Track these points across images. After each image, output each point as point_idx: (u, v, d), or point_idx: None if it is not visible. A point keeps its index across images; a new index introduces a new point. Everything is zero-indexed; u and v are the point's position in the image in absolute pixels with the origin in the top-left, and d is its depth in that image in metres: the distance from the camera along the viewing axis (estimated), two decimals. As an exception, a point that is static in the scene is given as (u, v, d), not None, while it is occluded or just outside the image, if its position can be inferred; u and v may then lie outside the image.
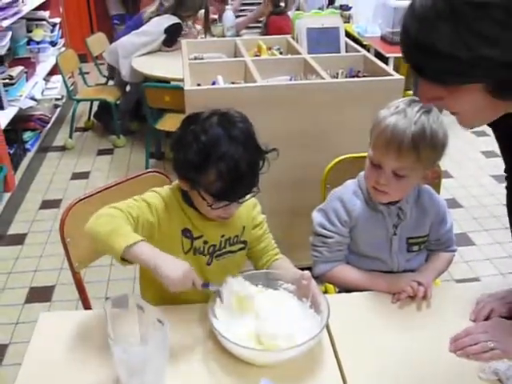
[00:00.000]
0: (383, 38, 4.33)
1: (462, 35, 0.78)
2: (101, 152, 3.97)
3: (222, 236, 1.33)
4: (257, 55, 2.55)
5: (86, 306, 1.52)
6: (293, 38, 2.71)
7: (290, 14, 3.73)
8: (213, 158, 1.13)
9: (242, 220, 1.36)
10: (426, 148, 1.26)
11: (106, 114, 4.11)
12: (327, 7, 5.16)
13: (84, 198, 1.51)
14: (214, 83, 2.17)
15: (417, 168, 1.29)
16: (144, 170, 1.66)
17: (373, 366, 1.11)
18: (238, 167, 1.14)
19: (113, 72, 4.12)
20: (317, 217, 1.46)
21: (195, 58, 2.44)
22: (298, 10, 4.06)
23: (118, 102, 4.04)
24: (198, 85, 2.08)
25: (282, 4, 3.77)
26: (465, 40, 0.78)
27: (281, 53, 2.66)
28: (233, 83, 2.17)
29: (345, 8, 5.18)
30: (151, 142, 3.65)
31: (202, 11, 3.99)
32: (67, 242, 1.46)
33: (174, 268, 1.08)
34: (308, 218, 1.52)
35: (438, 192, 1.62)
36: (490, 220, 2.95)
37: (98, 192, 1.55)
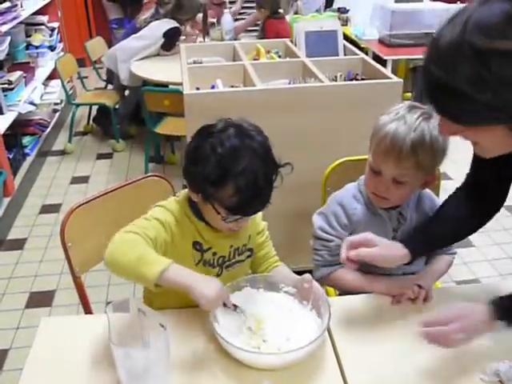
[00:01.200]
0: (381, 41, 4.34)
1: (485, 79, 0.79)
2: (100, 156, 3.98)
3: (231, 247, 1.32)
4: (255, 59, 2.56)
5: (87, 310, 1.53)
6: (291, 42, 2.72)
7: (288, 17, 3.75)
8: (232, 173, 1.11)
9: (248, 229, 1.35)
10: (426, 155, 1.26)
11: (105, 118, 4.12)
12: (324, 10, 5.18)
13: (84, 203, 1.51)
14: (213, 87, 2.17)
15: (417, 174, 1.30)
16: (144, 174, 1.66)
17: (374, 368, 1.11)
18: (256, 183, 1.12)
19: (112, 76, 4.12)
20: (317, 220, 1.46)
21: (194, 62, 2.45)
22: (296, 13, 4.07)
23: (117, 106, 4.05)
24: (197, 89, 2.09)
25: (281, 10, 3.79)
26: (488, 84, 0.79)
27: (279, 56, 2.67)
28: (232, 87, 2.18)
29: (343, 11, 5.19)
30: (150, 146, 3.66)
31: (201, 15, 4.00)
32: (68, 247, 1.46)
33: (209, 288, 1.08)
34: (309, 221, 1.51)
35: (438, 194, 1.62)
36: (490, 222, 2.95)
37: (99, 196, 1.55)
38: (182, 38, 3.96)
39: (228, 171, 1.11)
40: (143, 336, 1.08)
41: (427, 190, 1.46)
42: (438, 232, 1.31)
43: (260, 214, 1.41)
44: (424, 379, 1.10)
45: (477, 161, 1.27)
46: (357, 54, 2.52)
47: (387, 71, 2.16)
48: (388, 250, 1.23)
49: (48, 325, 1.29)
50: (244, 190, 1.12)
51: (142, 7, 4.50)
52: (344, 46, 2.65)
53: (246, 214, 1.20)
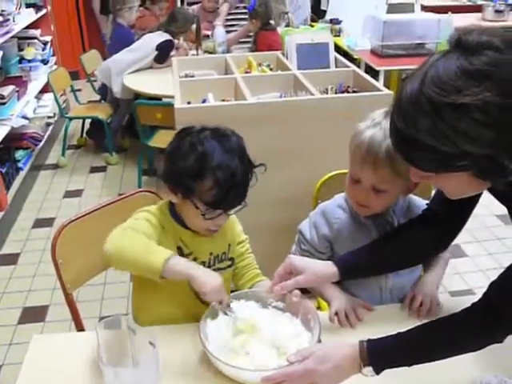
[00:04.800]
0: (373, 52, 4.36)
1: (443, 132, 0.82)
2: (93, 169, 3.98)
3: (211, 254, 1.35)
4: (247, 72, 2.57)
5: (79, 327, 1.52)
6: (283, 54, 2.73)
7: (280, 29, 3.77)
8: (211, 166, 1.18)
9: (227, 237, 1.39)
10: (403, 162, 1.25)
11: (98, 131, 4.12)
12: (317, 21, 5.22)
13: (76, 219, 1.51)
14: (204, 101, 2.18)
15: (395, 182, 1.28)
16: (135, 189, 1.66)
17: (365, 382, 1.10)
18: (234, 176, 1.18)
19: (105, 90, 4.14)
20: (303, 223, 1.49)
21: (186, 76, 2.46)
22: (287, 25, 4.09)
23: (111, 119, 4.05)
24: (189, 103, 2.09)
25: (272, 22, 3.81)
26: (447, 136, 0.82)
27: (271, 69, 2.68)
28: (223, 100, 2.19)
29: (335, 22, 5.23)
30: (144, 159, 3.66)
31: (194, 26, 4.02)
32: (59, 264, 1.46)
33: (211, 277, 1.15)
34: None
35: (430, 196, 1.60)
36: (482, 231, 2.97)
37: (90, 212, 1.55)
38: (174, 51, 3.97)
39: (207, 165, 1.18)
40: (133, 354, 1.08)
41: (417, 199, 1.45)
42: (375, 258, 1.29)
43: (240, 226, 1.45)
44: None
45: (440, 192, 1.27)
46: (348, 66, 2.53)
47: (378, 83, 2.18)
48: (315, 273, 1.24)
49: (39, 342, 1.28)
50: (222, 183, 1.17)
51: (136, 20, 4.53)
52: (335, 58, 2.66)
53: (224, 208, 1.23)
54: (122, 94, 3.86)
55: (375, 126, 1.28)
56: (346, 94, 2.09)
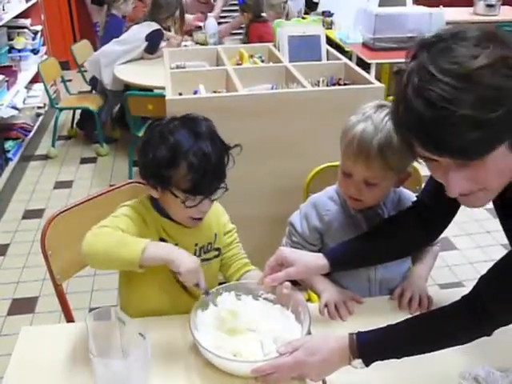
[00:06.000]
0: (365, 45, 4.36)
1: (484, 95, 0.80)
2: (84, 160, 3.95)
3: (196, 245, 1.34)
4: (239, 63, 2.56)
5: (69, 318, 1.51)
6: (274, 46, 2.72)
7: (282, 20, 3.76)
8: (183, 152, 1.18)
9: (212, 227, 1.39)
10: (394, 155, 1.24)
11: (88, 122, 4.10)
12: (309, 13, 5.20)
13: (65, 210, 1.50)
14: (195, 92, 2.17)
15: (387, 175, 1.29)
16: (126, 181, 1.66)
17: (354, 376, 1.11)
18: (208, 159, 1.19)
19: (95, 82, 4.11)
20: (294, 215, 1.50)
21: (177, 67, 2.44)
22: (287, 15, 4.08)
23: (101, 111, 4.03)
24: (180, 94, 2.08)
25: (264, 14, 3.80)
26: (487, 99, 0.80)
27: (262, 61, 2.67)
28: (214, 92, 2.18)
29: (327, 14, 5.21)
30: (134, 151, 3.64)
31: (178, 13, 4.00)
32: (49, 255, 1.45)
33: (190, 259, 1.15)
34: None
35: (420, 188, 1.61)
36: (471, 224, 2.99)
37: (80, 204, 1.54)
38: (165, 42, 3.94)
39: (178, 151, 1.18)
40: (122, 345, 1.08)
41: (408, 192, 1.46)
42: (364, 250, 1.30)
43: (227, 215, 1.45)
44: (398, 375, 1.11)
45: (430, 185, 1.27)
46: (339, 59, 2.53)
47: (370, 76, 2.18)
48: (305, 265, 1.24)
49: (28, 334, 1.28)
50: (196, 167, 1.18)
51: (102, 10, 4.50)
52: (327, 50, 2.66)
53: (203, 193, 1.22)
54: (112, 86, 3.83)
55: (366, 120, 1.28)
56: (337, 87, 2.09)
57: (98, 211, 1.54)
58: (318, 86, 2.26)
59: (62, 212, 1.49)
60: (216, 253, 1.39)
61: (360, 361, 1.06)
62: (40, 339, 1.26)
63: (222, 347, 1.14)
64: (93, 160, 3.95)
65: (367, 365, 1.06)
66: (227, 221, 1.44)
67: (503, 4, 5.42)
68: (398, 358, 1.07)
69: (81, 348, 1.18)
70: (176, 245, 1.29)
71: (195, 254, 1.34)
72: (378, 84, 2.09)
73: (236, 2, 5.12)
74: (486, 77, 0.80)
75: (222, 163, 1.24)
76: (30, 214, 3.24)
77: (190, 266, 1.13)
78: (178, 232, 1.31)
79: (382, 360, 1.07)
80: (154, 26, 3.87)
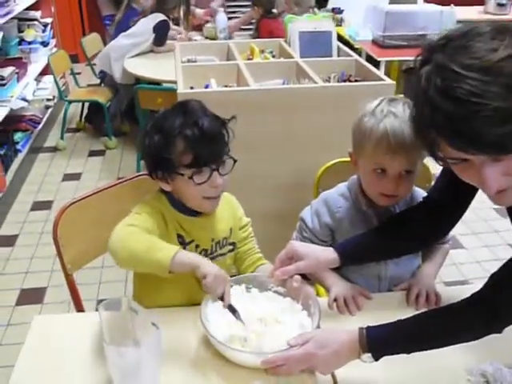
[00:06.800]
0: (374, 42, 4.35)
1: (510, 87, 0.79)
2: (92, 153, 3.97)
3: (212, 240, 1.35)
4: (249, 58, 2.57)
5: (79, 308, 1.53)
6: (285, 42, 2.72)
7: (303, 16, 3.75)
8: (176, 129, 1.20)
9: (228, 222, 1.39)
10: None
11: (97, 115, 4.11)
12: (319, 9, 5.19)
13: (77, 201, 1.51)
14: (207, 86, 2.18)
15: (421, 158, 1.32)
16: (136, 173, 1.67)
17: (362, 370, 1.11)
18: (201, 129, 1.20)
19: (104, 75, 4.11)
20: (305, 210, 1.50)
21: (188, 61, 2.45)
22: (294, 13, 4.07)
23: (110, 104, 4.04)
24: (191, 88, 2.09)
25: (275, 10, 3.80)
26: None
27: (273, 56, 2.68)
28: (226, 86, 2.19)
29: (337, 11, 5.20)
30: (143, 144, 3.64)
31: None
32: (60, 245, 1.46)
33: (215, 267, 1.15)
34: (297, 222, 1.53)
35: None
36: (479, 223, 2.99)
37: (91, 194, 1.55)
38: (172, 38, 3.94)
39: (171, 130, 1.21)
40: (135, 334, 1.08)
41: (419, 190, 1.46)
42: (374, 244, 1.31)
43: (242, 209, 1.45)
44: (412, 380, 1.11)
45: (441, 182, 1.27)
46: (350, 56, 2.53)
47: (380, 73, 2.18)
48: (316, 259, 1.25)
49: (40, 323, 1.29)
50: (192, 138, 1.20)
51: (121, 5, 4.50)
52: (338, 46, 2.66)
53: (207, 163, 1.22)
54: (122, 79, 3.84)
55: (388, 116, 1.28)
56: (348, 83, 2.09)
57: (108, 203, 1.57)
58: (329, 81, 2.26)
59: (73, 203, 1.50)
60: (231, 247, 1.40)
61: (369, 355, 1.07)
62: (51, 328, 1.27)
63: (233, 339, 1.15)
64: (101, 153, 3.97)
65: (376, 359, 1.07)
66: (242, 214, 1.44)
67: (515, 3, 5.40)
68: (407, 353, 1.07)
69: (93, 337, 1.19)
70: (192, 241, 1.31)
71: (211, 249, 1.35)
72: (388, 81, 2.09)
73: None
74: (509, 67, 0.80)
75: (219, 132, 1.24)
76: (38, 206, 3.26)
77: (217, 272, 1.13)
78: (195, 227, 1.31)
79: (392, 355, 1.07)
80: (161, 17, 3.87)
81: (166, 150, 1.21)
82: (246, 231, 1.45)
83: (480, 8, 5.38)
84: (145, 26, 3.89)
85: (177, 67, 2.27)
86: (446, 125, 0.83)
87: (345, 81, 2.33)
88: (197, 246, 1.32)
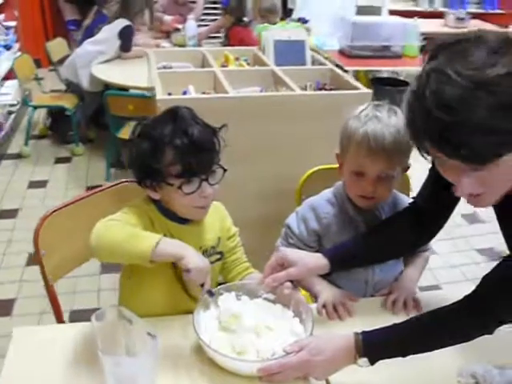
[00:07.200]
0: (341, 52, 4.42)
1: (499, 104, 0.82)
2: (58, 160, 3.87)
3: (200, 248, 1.33)
4: (224, 65, 2.57)
5: (60, 319, 1.48)
6: (259, 50, 2.74)
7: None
8: (165, 137, 1.18)
9: (216, 231, 1.38)
10: (404, 144, 1.30)
11: (61, 122, 4.03)
12: (285, 19, 5.25)
13: (58, 209, 1.47)
14: (184, 93, 2.16)
15: (401, 164, 1.35)
16: (105, 181, 1.64)
17: (356, 372, 1.12)
18: (191, 137, 1.18)
19: (70, 84, 4.03)
20: (290, 217, 1.50)
21: (164, 67, 2.43)
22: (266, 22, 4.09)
23: (76, 110, 3.95)
24: (169, 94, 2.07)
25: (246, 19, 3.82)
26: (504, 113, 0.82)
27: (248, 64, 2.69)
28: (203, 93, 2.18)
29: (303, 21, 5.26)
30: (112, 151, 3.59)
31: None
32: (42, 255, 1.41)
33: (200, 258, 1.14)
34: (281, 229, 1.53)
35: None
36: (450, 229, 3.03)
37: (72, 202, 1.51)
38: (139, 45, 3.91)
39: (160, 139, 1.19)
40: (128, 344, 1.06)
41: (402, 195, 1.50)
42: (362, 250, 1.33)
43: (230, 219, 1.44)
44: (403, 382, 1.13)
45: (426, 188, 1.31)
46: (325, 64, 2.57)
47: (357, 82, 2.22)
48: (306, 266, 1.25)
49: (21, 335, 1.24)
50: (182, 148, 1.17)
51: (90, 12, 4.44)
52: (312, 56, 2.69)
53: (196, 173, 1.20)
54: (90, 87, 3.78)
55: (372, 120, 1.32)
56: (326, 92, 2.12)
57: (90, 211, 1.53)
58: (306, 90, 2.28)
59: (54, 211, 1.45)
60: (218, 256, 1.39)
61: (365, 359, 1.08)
62: (35, 340, 1.23)
63: (226, 347, 1.14)
64: (67, 160, 3.88)
65: (372, 363, 1.08)
66: (231, 224, 1.43)
67: (472, 18, 5.61)
68: (403, 356, 1.09)
69: (79, 348, 1.16)
70: None
71: None
72: (364, 89, 2.14)
73: (212, 6, 5.15)
74: (502, 85, 0.82)
75: (208, 141, 1.22)
76: (3, 214, 3.14)
77: (201, 265, 1.12)
78: (183, 234, 1.29)
79: (388, 358, 1.08)
80: (125, 22, 3.84)
81: (154, 159, 1.19)
82: (234, 241, 1.44)
83: (441, 21, 5.57)
84: (110, 33, 3.85)
85: (153, 73, 2.25)
86: (433, 128, 0.87)
87: (320, 89, 2.36)
88: None
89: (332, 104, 2.07)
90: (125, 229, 1.16)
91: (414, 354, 1.09)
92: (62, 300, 2.30)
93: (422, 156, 0.97)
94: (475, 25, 5.60)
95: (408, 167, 1.41)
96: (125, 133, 3.36)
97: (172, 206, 1.27)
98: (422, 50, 4.66)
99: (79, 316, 2.22)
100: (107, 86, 3.58)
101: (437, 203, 1.28)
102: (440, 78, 0.86)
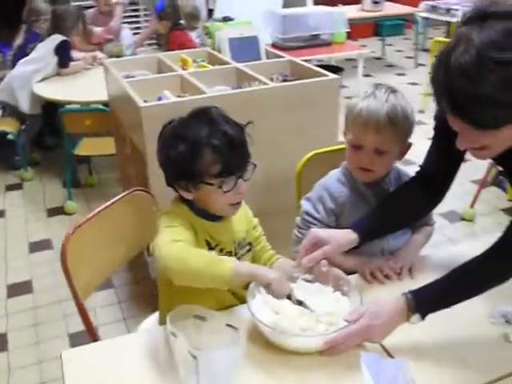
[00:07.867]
0: (274, 45, 4.53)
1: (506, 79, 0.94)
2: (10, 188, 3.71)
3: (234, 242, 1.36)
4: (184, 69, 2.58)
5: (94, 337, 1.47)
6: (213, 49, 2.78)
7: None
8: (203, 139, 1.21)
9: (243, 224, 1.41)
10: (400, 121, 1.40)
11: (5, 147, 3.85)
12: (207, 20, 5.29)
13: (79, 226, 1.45)
14: (160, 99, 2.17)
15: (395, 141, 1.43)
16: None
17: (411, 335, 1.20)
18: (228, 137, 1.22)
19: (5, 106, 3.86)
20: (304, 205, 1.55)
21: (127, 76, 2.41)
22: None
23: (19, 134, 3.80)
24: (145, 101, 2.07)
25: (182, 21, 3.84)
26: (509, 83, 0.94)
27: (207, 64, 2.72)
28: (178, 97, 2.19)
29: (228, 19, 5.33)
30: (63, 170, 3.48)
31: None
32: (71, 273, 1.40)
33: (272, 272, 1.18)
34: (280, 219, 1.60)
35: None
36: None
37: (89, 220, 1.49)
38: (78, 61, 3.82)
39: (198, 142, 1.21)
40: (204, 341, 1.07)
41: (404, 168, 1.60)
42: (385, 219, 1.44)
43: (250, 211, 1.47)
44: (434, 323, 1.19)
45: (432, 155, 1.43)
46: (282, 57, 2.65)
47: (322, 70, 2.32)
48: (338, 242, 1.33)
49: (71, 357, 1.22)
50: (221, 148, 1.21)
51: (18, 31, 4.28)
52: (266, 50, 2.77)
53: (234, 171, 1.24)
54: (31, 108, 3.65)
55: (369, 97, 1.42)
56: (300, 81, 2.20)
57: (110, 223, 1.54)
58: (274, 82, 2.35)
59: (78, 227, 1.44)
60: (248, 247, 1.42)
61: (417, 315, 1.17)
62: (88, 360, 1.21)
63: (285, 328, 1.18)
64: (19, 186, 3.72)
65: (423, 318, 1.18)
66: (252, 216, 1.47)
67: (386, 0, 5.93)
68: (449, 307, 1.19)
69: (135, 360, 1.17)
70: (217, 245, 1.32)
71: (234, 251, 1.36)
72: (332, 75, 2.24)
73: (132, 14, 5.09)
74: None
75: (242, 139, 1.26)
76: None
77: (278, 278, 1.15)
78: (218, 231, 1.32)
79: (436, 311, 1.18)
80: (59, 38, 3.74)
81: (192, 160, 1.21)
82: (258, 231, 1.48)
83: (358, 6, 5.84)
84: (45, 50, 3.73)
85: (122, 83, 2.23)
86: (449, 89, 0.99)
87: (285, 80, 2.45)
88: (221, 250, 1.33)
89: (305, 92, 2.16)
90: (202, 255, 1.17)
91: (459, 302, 1.19)
92: (57, 325, 2.27)
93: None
94: (389, 8, 5.94)
95: (408, 147, 1.49)
96: (81, 150, 3.28)
97: (207, 204, 1.29)
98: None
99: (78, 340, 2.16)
100: (47, 106, 3.49)
101: (443, 166, 1.40)
102: (466, 44, 0.97)
